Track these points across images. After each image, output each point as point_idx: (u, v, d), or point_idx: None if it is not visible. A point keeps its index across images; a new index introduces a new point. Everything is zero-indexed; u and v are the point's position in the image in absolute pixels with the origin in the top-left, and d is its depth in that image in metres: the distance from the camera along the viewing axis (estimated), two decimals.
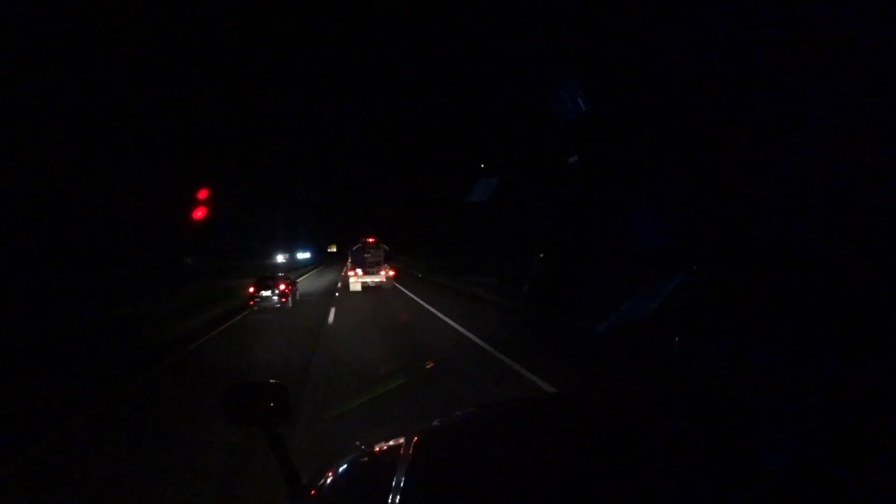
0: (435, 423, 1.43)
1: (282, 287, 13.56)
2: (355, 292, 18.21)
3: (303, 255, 51.63)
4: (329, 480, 1.10)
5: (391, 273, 18.88)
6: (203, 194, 11.39)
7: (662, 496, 0.82)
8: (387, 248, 19.46)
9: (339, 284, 21.72)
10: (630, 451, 1.02)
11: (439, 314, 11.83)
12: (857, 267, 5.73)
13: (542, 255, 16.19)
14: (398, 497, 0.86)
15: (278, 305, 13.24)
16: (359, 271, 18.46)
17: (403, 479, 0.91)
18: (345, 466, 1.15)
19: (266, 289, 13.40)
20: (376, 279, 18.49)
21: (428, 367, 6.67)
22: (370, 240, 19.37)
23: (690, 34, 9.00)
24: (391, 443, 1.25)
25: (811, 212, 6.46)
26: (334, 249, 63.56)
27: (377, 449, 1.26)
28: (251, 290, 13.65)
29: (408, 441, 1.19)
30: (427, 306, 13.52)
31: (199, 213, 11.53)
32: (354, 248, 19.36)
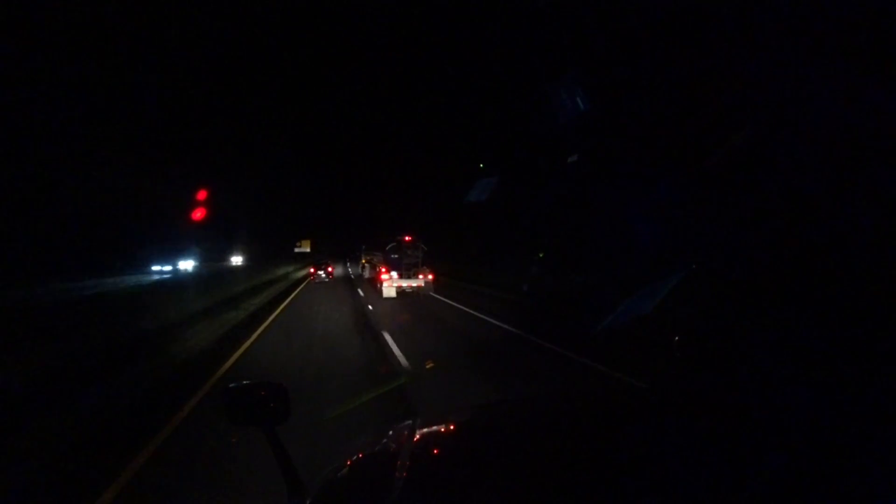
0: (435, 422, 1.43)
1: (329, 269, 27.33)
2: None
3: (184, 265, 25.76)
4: (329, 481, 1.09)
5: (430, 276, 16.30)
6: (202, 195, 11.36)
7: (662, 496, 0.82)
8: (425, 247, 16.92)
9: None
10: (629, 449, 1.02)
11: None
12: (859, 265, 5.73)
13: (541, 255, 16.25)
14: (398, 498, 0.85)
15: (326, 280, 26.34)
16: (394, 274, 15.88)
17: (403, 479, 0.91)
18: (345, 466, 1.14)
19: (321, 270, 26.89)
20: (414, 283, 16.01)
21: (428, 366, 6.69)
22: (406, 238, 16.76)
23: (690, 33, 9.02)
24: (391, 443, 1.24)
25: (811, 210, 6.45)
26: (306, 249, 48.60)
27: (377, 449, 1.26)
28: (312, 270, 27.67)
29: (408, 441, 1.19)
30: None
31: (198, 214, 11.51)
32: (388, 248, 16.92)
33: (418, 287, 16.07)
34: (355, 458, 1.20)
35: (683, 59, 9.36)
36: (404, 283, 15.98)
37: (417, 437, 1.23)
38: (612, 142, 12.74)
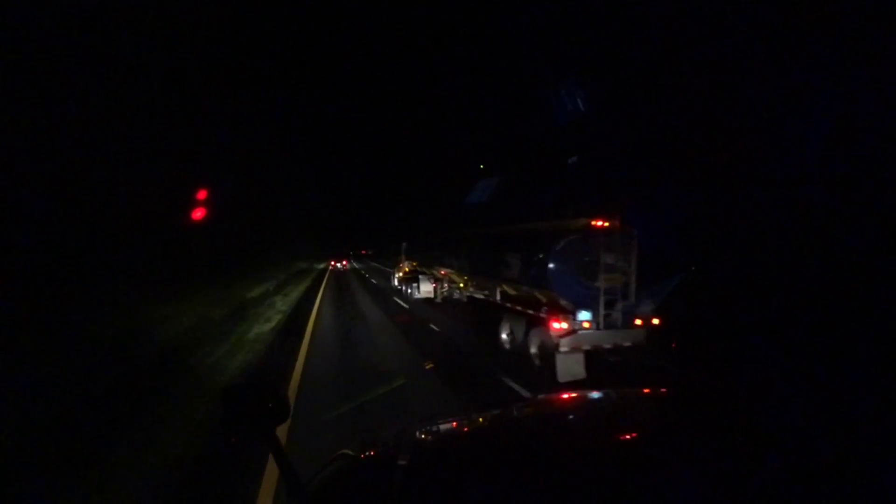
0: (433, 424, 1.43)
1: (344, 262, 52.25)
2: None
3: None
4: (328, 481, 1.09)
5: (654, 321, 6.49)
6: (202, 194, 11.33)
7: (661, 499, 0.82)
8: (639, 244, 6.73)
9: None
10: (627, 453, 1.02)
11: None
12: (855, 268, 5.73)
13: (541, 256, 16.15)
14: (397, 498, 0.85)
15: (342, 269, 45.53)
16: (583, 318, 6.40)
17: (402, 480, 0.91)
18: (344, 467, 1.14)
19: (339, 262, 50.68)
20: (626, 341, 6.48)
21: (427, 367, 6.71)
22: (600, 223, 6.71)
23: (689, 35, 9.00)
24: (390, 444, 1.24)
25: (810, 213, 6.45)
26: None
27: (376, 450, 1.26)
28: (332, 263, 51.64)
29: (406, 442, 1.19)
30: None
31: (199, 214, 11.47)
32: (559, 248, 6.75)
33: (632, 344, 6.56)
34: (354, 458, 1.20)
35: (684, 60, 9.35)
36: (606, 341, 6.50)
37: (416, 438, 1.23)
38: (611, 142, 12.73)
